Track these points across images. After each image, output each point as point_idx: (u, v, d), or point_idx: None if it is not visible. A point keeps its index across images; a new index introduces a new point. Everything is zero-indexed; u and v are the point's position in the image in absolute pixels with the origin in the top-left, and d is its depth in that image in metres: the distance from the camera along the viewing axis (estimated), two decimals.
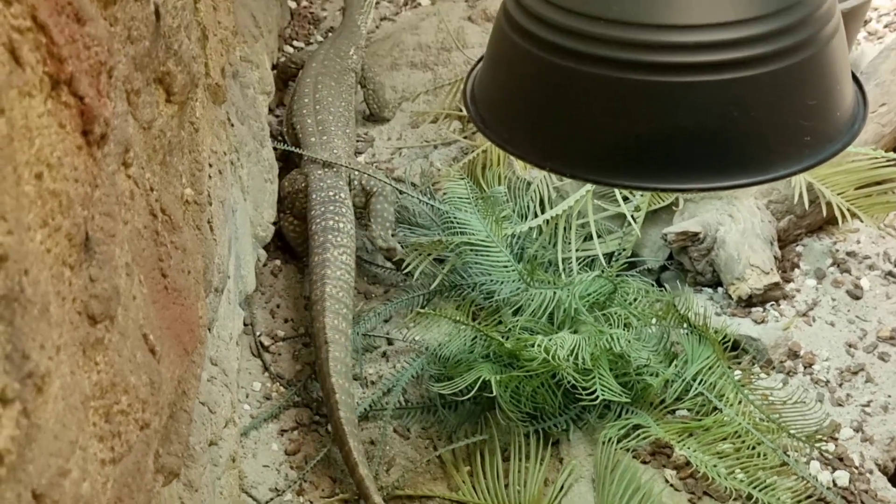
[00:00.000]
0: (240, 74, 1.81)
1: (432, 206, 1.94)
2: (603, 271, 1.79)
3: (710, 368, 1.65)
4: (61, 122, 0.69)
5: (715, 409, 1.61)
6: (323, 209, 1.85)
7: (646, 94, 0.85)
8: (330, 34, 2.49)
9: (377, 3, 2.42)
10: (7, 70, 0.61)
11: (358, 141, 2.28)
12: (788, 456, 1.55)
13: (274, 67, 2.39)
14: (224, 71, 1.49)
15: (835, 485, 1.54)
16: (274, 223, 1.95)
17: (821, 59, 0.89)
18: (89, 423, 0.71)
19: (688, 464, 1.56)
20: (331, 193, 1.88)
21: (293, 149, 1.99)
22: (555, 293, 1.71)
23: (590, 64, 0.86)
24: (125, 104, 0.85)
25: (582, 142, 0.90)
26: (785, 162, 0.90)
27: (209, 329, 1.33)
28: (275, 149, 1.99)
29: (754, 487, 1.49)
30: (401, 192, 1.98)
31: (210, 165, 1.32)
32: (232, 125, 1.65)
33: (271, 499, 1.58)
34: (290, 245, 2.04)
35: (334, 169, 1.93)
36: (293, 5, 2.80)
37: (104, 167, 0.78)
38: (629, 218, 1.87)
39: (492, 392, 1.54)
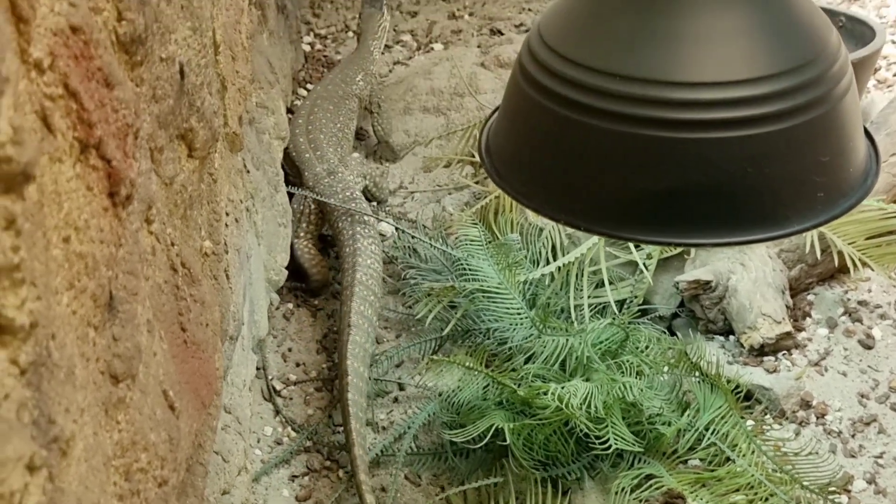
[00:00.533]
0: (256, 120, 1.84)
1: (444, 251, 1.95)
2: (615, 318, 1.79)
3: (722, 418, 1.64)
4: (89, 185, 0.70)
5: (728, 459, 1.61)
6: (345, 207, 1.93)
7: (660, 150, 0.86)
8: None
9: (388, 28, 2.50)
10: (39, 137, 0.62)
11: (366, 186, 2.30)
12: None
13: (289, 111, 2.42)
14: (241, 119, 1.51)
15: None
16: (287, 267, 1.96)
17: (834, 116, 0.90)
18: (110, 483, 0.72)
19: None
20: (347, 193, 1.98)
21: (296, 187, 2.03)
22: (567, 340, 1.71)
23: (604, 119, 0.87)
24: (149, 162, 0.86)
25: (596, 196, 0.91)
26: (798, 218, 0.91)
27: (224, 377, 1.34)
28: (289, 193, 2.02)
29: None
30: (413, 237, 1.99)
31: (227, 214, 1.33)
32: (248, 172, 1.67)
33: None
34: (305, 271, 2.02)
35: (340, 172, 2.01)
36: (307, 48, 2.84)
37: (128, 226, 0.79)
38: (641, 265, 1.88)
39: (504, 439, 1.54)
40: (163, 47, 0.87)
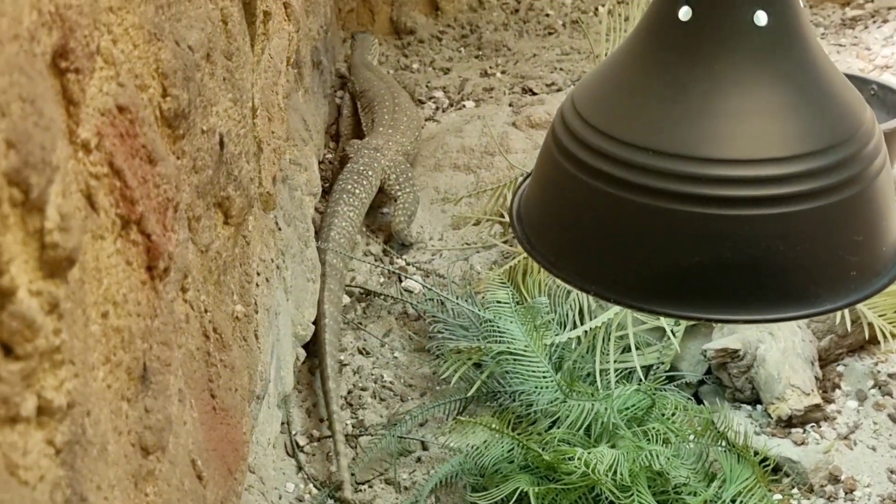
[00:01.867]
0: (288, 177, 1.86)
1: (472, 311, 1.96)
2: (641, 384, 1.78)
3: (749, 490, 1.62)
4: (128, 260, 0.72)
5: None
6: (348, 175, 2.26)
7: (691, 225, 0.86)
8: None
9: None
10: (83, 215, 0.64)
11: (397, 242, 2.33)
12: None
13: (320, 163, 2.45)
14: (275, 178, 1.53)
15: None
16: (314, 322, 1.97)
17: (868, 195, 0.90)
18: None
19: None
20: (361, 168, 2.28)
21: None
22: (593, 405, 1.70)
23: (636, 193, 0.87)
24: (186, 231, 0.88)
25: (626, 269, 0.91)
26: (830, 296, 0.90)
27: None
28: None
29: None
30: (440, 296, 2.00)
31: (258, 275, 1.34)
32: (279, 229, 1.69)
33: None
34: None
35: (376, 153, 2.33)
36: (340, 101, 2.88)
37: (164, 296, 0.80)
38: (668, 332, 1.87)
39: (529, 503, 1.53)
40: (204, 119, 0.89)
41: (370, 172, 2.28)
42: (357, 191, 2.23)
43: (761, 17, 0.85)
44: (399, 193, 2.30)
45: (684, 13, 0.86)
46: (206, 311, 0.95)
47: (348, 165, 2.30)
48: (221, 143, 0.93)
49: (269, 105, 1.42)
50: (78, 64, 0.62)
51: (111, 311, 0.68)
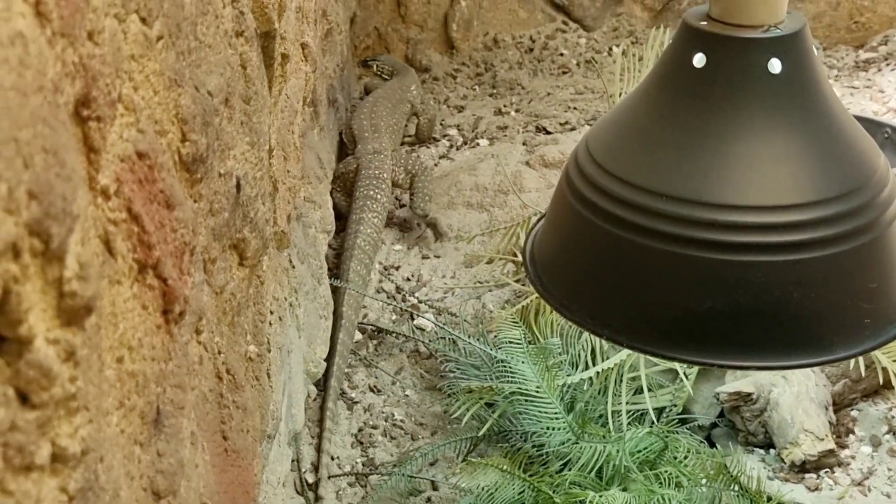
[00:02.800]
0: (303, 215, 1.87)
1: (484, 350, 1.95)
2: (653, 427, 1.77)
3: None
4: (144, 304, 0.72)
5: None
6: (367, 182, 2.38)
7: (705, 271, 0.86)
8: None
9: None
10: (101, 261, 0.64)
11: (408, 280, 2.33)
12: None
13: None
14: (290, 216, 1.54)
15: None
16: (326, 359, 1.97)
17: (882, 242, 0.90)
18: None
19: None
20: (375, 172, 2.40)
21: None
22: (605, 447, 1.69)
23: (649, 237, 0.87)
24: (202, 273, 0.88)
25: (640, 313, 0.91)
26: (844, 343, 0.90)
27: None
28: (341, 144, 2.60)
29: None
30: (452, 334, 2.00)
31: (271, 313, 1.35)
32: (293, 267, 1.70)
33: None
34: (338, 210, 2.41)
35: (381, 156, 2.45)
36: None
37: (178, 339, 0.80)
38: (681, 374, 1.86)
39: None
40: (222, 163, 0.90)
41: (385, 175, 2.41)
42: (379, 196, 2.37)
43: (775, 65, 0.86)
44: (411, 183, 2.45)
45: (698, 60, 0.86)
46: (219, 352, 0.95)
47: (362, 172, 2.42)
48: (238, 186, 0.94)
49: (284, 144, 1.44)
50: (100, 112, 0.62)
51: (126, 356, 0.68)
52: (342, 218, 2.40)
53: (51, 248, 0.51)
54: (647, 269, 0.88)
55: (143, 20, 0.71)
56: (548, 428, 1.75)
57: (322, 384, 1.99)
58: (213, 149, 0.86)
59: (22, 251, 0.49)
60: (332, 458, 1.92)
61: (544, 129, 2.84)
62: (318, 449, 1.89)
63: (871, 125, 1.20)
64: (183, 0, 0.78)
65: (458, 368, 1.99)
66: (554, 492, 1.61)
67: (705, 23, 0.87)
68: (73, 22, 0.57)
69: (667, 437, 1.72)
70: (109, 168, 0.66)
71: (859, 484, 1.76)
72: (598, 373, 1.84)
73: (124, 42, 0.68)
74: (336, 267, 2.26)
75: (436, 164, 2.72)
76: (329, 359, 1.99)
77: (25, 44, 0.51)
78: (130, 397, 0.69)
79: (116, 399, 0.67)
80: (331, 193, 2.37)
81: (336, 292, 2.09)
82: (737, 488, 1.65)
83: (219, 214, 0.91)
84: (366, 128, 2.58)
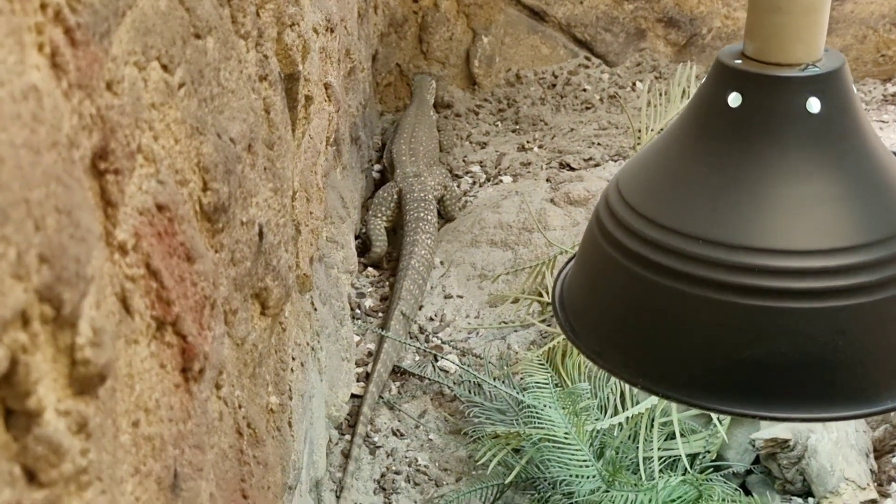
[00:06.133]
0: (325, 256, 1.84)
1: (510, 394, 1.91)
2: (686, 474, 1.71)
3: None
4: (162, 363, 0.69)
5: None
6: (416, 205, 2.46)
7: (745, 318, 0.82)
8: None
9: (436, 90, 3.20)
10: (117, 320, 0.61)
11: (431, 319, 2.29)
12: None
13: (357, 238, 2.44)
14: (312, 259, 1.51)
15: None
16: (347, 402, 1.93)
17: None
18: None
19: None
20: (421, 195, 2.50)
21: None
22: (637, 496, 1.63)
23: (686, 283, 0.84)
24: (223, 326, 0.85)
25: (675, 361, 0.87)
26: (891, 394, 0.86)
27: None
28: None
29: None
30: (476, 377, 1.95)
31: (293, 359, 1.31)
32: (315, 309, 1.66)
33: None
34: (370, 243, 2.47)
35: (421, 178, 2.56)
36: (377, 176, 2.88)
37: (197, 396, 0.77)
38: (715, 419, 1.80)
39: None
40: (244, 211, 0.87)
41: (430, 197, 2.52)
42: (429, 216, 2.46)
43: (814, 105, 0.82)
44: (444, 193, 2.59)
45: (733, 99, 0.83)
46: (240, 406, 0.92)
47: (408, 195, 2.51)
48: (261, 234, 0.91)
49: (307, 186, 1.41)
50: (118, 165, 0.60)
51: (143, 419, 0.65)
52: (370, 250, 2.45)
53: (62, 314, 0.48)
54: (684, 316, 0.84)
55: (164, 67, 0.68)
56: (577, 476, 1.70)
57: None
58: (236, 197, 0.83)
59: (31, 319, 0.46)
60: None
61: (568, 165, 2.80)
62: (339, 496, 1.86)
63: None
64: (206, 45, 0.75)
65: (483, 413, 1.95)
66: None
67: (740, 61, 0.84)
68: (90, 73, 0.55)
69: (701, 485, 1.66)
70: (127, 222, 0.63)
71: None
72: (628, 418, 1.79)
73: (144, 91, 0.65)
74: (390, 287, 2.36)
75: (435, 127, 2.88)
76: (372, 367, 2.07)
77: (39, 98, 0.48)
78: (146, 462, 0.66)
79: (131, 465, 0.63)
80: (365, 221, 2.50)
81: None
82: None
83: (241, 264, 0.88)
84: (403, 152, 2.72)
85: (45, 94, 0.48)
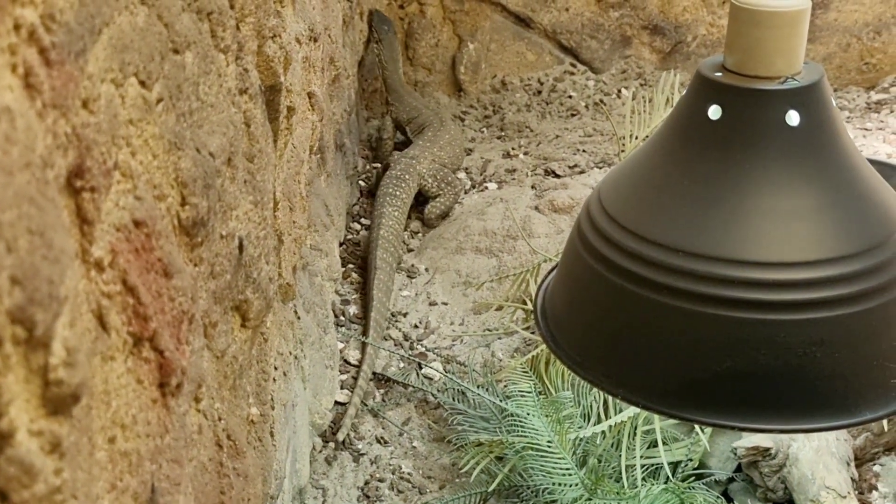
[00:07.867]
0: (309, 264, 1.84)
1: (494, 402, 1.91)
2: (668, 482, 1.72)
3: None
4: (139, 379, 0.69)
5: None
6: (388, 181, 2.58)
7: (725, 330, 0.82)
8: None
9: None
10: (93, 337, 0.61)
11: (415, 327, 2.30)
12: None
13: (341, 245, 2.44)
14: (295, 268, 1.51)
15: None
16: (331, 409, 1.93)
17: None
18: None
19: None
20: (399, 173, 2.61)
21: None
22: None
23: (666, 295, 0.84)
24: (202, 339, 0.85)
25: (656, 372, 0.88)
26: (870, 405, 0.86)
27: None
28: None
29: None
30: (460, 385, 1.95)
31: (275, 369, 1.31)
32: (298, 318, 1.66)
33: None
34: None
35: (413, 161, 2.65)
36: (363, 184, 2.87)
37: (175, 410, 0.77)
38: (697, 427, 1.81)
39: None
40: (224, 224, 0.87)
41: (407, 177, 2.60)
42: (398, 192, 2.56)
43: (793, 117, 0.83)
44: (439, 192, 2.64)
45: (714, 111, 0.84)
46: (219, 418, 0.92)
47: (388, 172, 2.62)
48: (241, 247, 0.91)
49: (290, 195, 1.41)
50: (94, 182, 0.60)
51: (119, 435, 0.65)
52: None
53: (35, 335, 0.48)
54: (664, 328, 0.85)
55: (142, 83, 0.68)
56: (560, 484, 1.71)
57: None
58: (215, 211, 0.83)
59: (3, 340, 0.46)
60: None
61: (553, 172, 2.81)
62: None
63: (886, 168, 1.17)
64: (185, 60, 0.75)
65: (466, 420, 1.95)
66: None
67: (720, 74, 0.84)
68: (65, 92, 0.55)
69: (683, 493, 1.67)
70: (104, 239, 0.63)
71: None
72: (611, 426, 1.79)
73: (122, 107, 0.65)
74: (363, 259, 2.45)
75: (465, 147, 2.92)
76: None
77: (12, 118, 0.48)
78: (123, 478, 0.66)
79: (108, 482, 0.63)
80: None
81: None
82: None
83: (220, 277, 0.88)
84: (423, 141, 2.82)
85: (18, 115, 0.48)
